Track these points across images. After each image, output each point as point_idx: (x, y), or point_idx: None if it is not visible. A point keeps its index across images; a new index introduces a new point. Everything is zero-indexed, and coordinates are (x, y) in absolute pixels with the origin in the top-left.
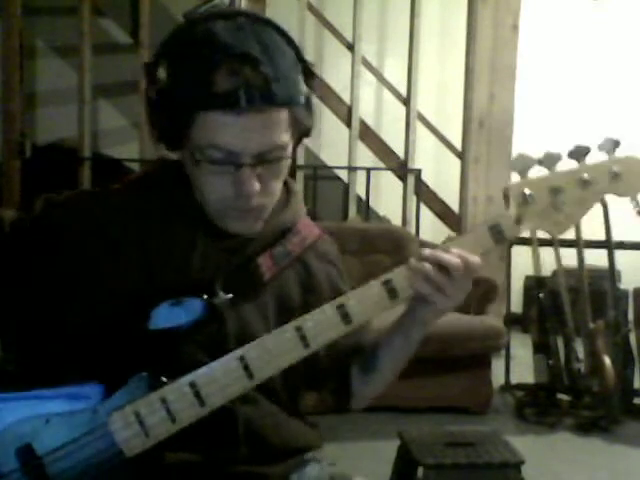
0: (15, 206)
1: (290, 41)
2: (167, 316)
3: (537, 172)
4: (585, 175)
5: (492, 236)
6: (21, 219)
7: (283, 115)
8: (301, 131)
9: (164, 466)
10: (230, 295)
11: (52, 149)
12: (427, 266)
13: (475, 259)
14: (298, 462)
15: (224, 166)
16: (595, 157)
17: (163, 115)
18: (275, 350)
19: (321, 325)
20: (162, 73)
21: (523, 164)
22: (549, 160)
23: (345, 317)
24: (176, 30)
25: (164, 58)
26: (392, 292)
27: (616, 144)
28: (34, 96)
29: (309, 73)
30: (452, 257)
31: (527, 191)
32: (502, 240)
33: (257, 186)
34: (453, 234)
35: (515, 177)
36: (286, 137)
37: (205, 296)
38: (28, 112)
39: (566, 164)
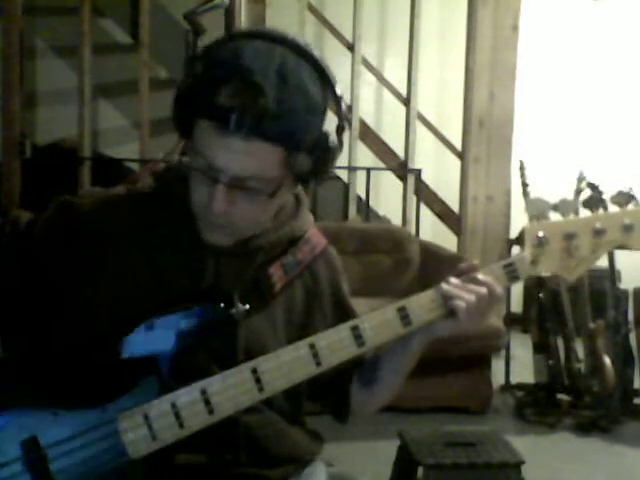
0: (15, 206)
1: (329, 86)
2: (141, 343)
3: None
4: (598, 224)
5: (506, 274)
6: (35, 220)
7: (273, 151)
8: (299, 176)
9: (168, 467)
10: (247, 306)
11: (52, 149)
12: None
13: (499, 289)
14: (297, 465)
15: (204, 176)
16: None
17: (178, 109)
18: (287, 366)
19: (334, 345)
20: (194, 70)
21: (539, 208)
22: (564, 206)
23: (358, 339)
24: (225, 36)
25: (202, 57)
26: (406, 319)
27: (630, 198)
28: (34, 96)
29: (339, 127)
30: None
31: (542, 234)
32: (516, 279)
33: (224, 206)
34: (453, 236)
35: (516, 178)
36: (274, 173)
37: (222, 305)
38: (28, 112)
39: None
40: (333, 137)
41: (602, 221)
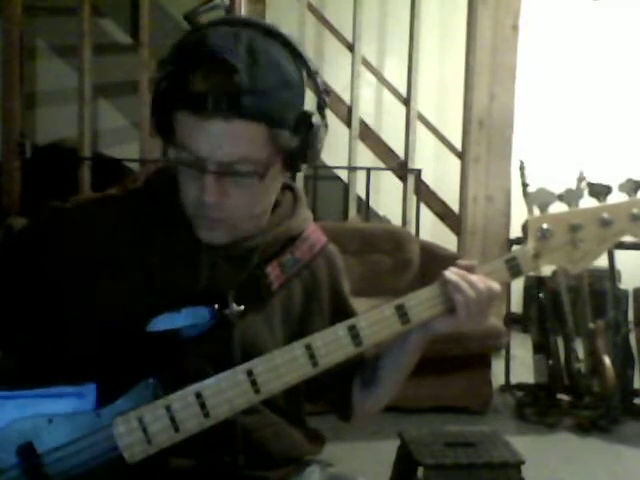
0: (15, 206)
1: (302, 63)
2: (165, 320)
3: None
4: (605, 214)
5: (508, 269)
6: (28, 226)
7: (256, 129)
8: (287, 154)
9: (165, 470)
10: (242, 307)
11: (52, 149)
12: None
13: (497, 286)
14: (297, 466)
15: (191, 170)
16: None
17: (156, 111)
18: (283, 367)
19: (331, 345)
20: (163, 72)
21: (543, 199)
22: (570, 196)
23: (355, 338)
24: (186, 33)
25: (169, 58)
26: (404, 317)
27: (637, 185)
28: (34, 96)
29: (319, 103)
30: (478, 281)
31: (545, 226)
32: (518, 274)
33: (216, 196)
34: (453, 236)
35: (516, 178)
36: (261, 154)
37: (216, 306)
38: (28, 112)
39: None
40: (316, 116)
41: (609, 211)
